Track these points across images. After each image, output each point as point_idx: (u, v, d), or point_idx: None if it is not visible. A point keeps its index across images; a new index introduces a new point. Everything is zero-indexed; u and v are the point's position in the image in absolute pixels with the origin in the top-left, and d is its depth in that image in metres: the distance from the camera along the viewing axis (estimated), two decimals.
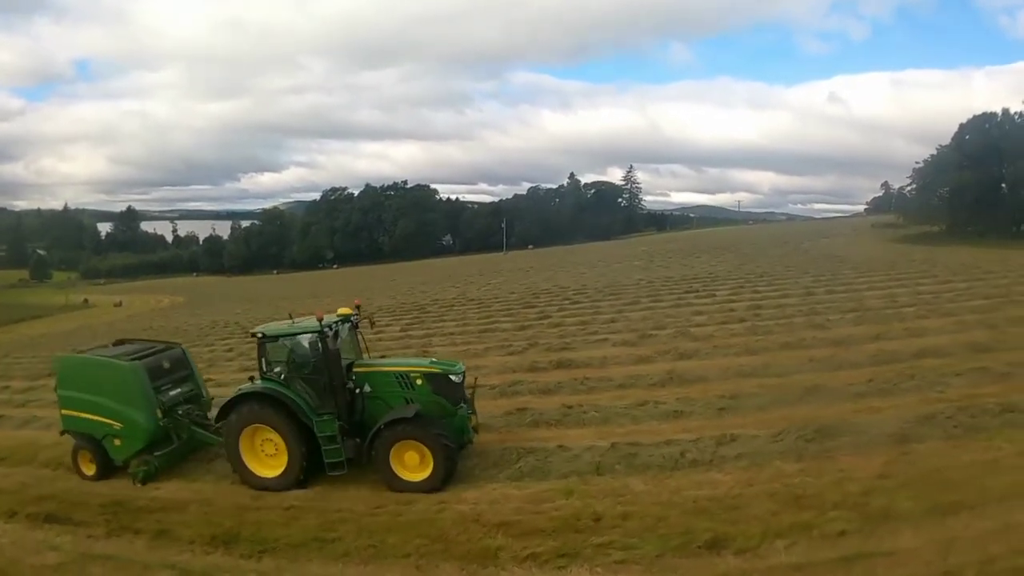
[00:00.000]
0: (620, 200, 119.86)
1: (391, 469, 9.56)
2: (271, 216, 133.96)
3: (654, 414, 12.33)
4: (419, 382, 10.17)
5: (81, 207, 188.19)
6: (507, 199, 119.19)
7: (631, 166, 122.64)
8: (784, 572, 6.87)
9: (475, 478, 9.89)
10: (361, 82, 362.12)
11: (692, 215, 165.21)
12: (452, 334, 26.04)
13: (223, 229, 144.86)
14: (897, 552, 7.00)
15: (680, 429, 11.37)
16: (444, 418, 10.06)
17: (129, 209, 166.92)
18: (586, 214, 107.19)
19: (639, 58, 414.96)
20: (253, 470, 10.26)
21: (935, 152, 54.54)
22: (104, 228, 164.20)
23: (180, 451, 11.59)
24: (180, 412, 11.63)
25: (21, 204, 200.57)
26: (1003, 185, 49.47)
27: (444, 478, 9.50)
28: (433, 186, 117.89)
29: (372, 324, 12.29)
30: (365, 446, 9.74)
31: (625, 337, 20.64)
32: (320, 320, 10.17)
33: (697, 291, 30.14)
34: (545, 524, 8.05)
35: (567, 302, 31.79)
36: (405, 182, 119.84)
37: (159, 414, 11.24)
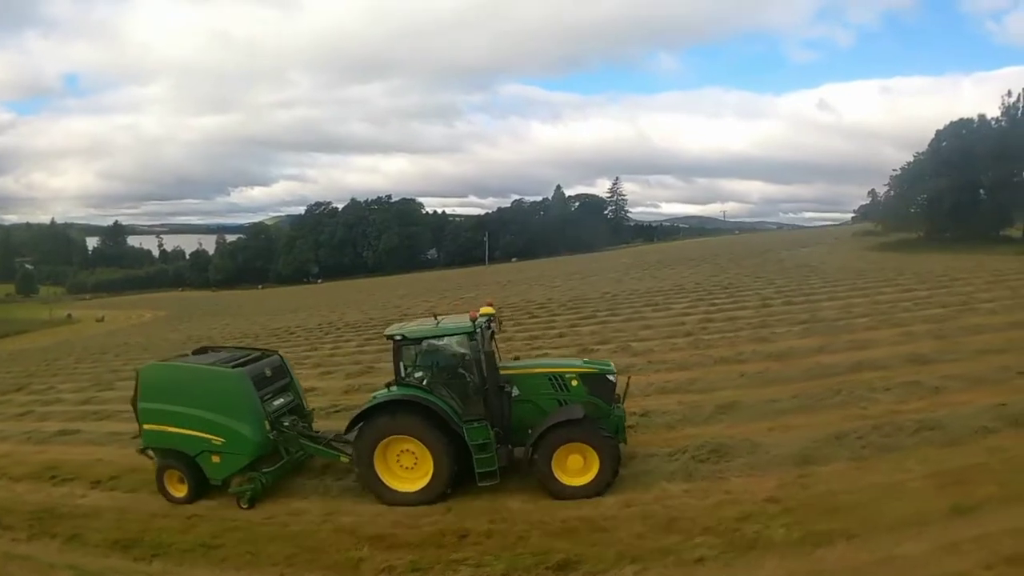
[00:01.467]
0: (606, 212, 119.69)
1: (553, 474, 8.99)
2: (256, 230, 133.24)
3: None
4: (574, 383, 9.73)
5: (71, 221, 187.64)
6: (491, 212, 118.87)
7: (617, 178, 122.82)
8: None
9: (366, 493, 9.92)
10: (350, 96, 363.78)
11: (682, 225, 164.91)
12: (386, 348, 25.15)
13: (212, 244, 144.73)
14: None
15: None
16: (600, 420, 9.56)
17: (116, 224, 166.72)
18: (571, 226, 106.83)
19: (628, 69, 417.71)
20: (390, 485, 9.43)
21: (912, 159, 54.34)
22: (93, 242, 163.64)
23: (287, 468, 10.65)
24: (286, 424, 10.72)
25: (11, 218, 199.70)
26: (981, 191, 48.95)
27: (609, 482, 8.99)
28: (422, 200, 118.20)
29: (500, 325, 11.10)
30: (527, 451, 9.10)
31: (565, 352, 20.07)
32: (474, 319, 9.61)
33: (656, 304, 29.41)
34: (413, 538, 8.34)
35: (527, 316, 31.26)
36: (389, 196, 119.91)
37: (267, 426, 10.31)
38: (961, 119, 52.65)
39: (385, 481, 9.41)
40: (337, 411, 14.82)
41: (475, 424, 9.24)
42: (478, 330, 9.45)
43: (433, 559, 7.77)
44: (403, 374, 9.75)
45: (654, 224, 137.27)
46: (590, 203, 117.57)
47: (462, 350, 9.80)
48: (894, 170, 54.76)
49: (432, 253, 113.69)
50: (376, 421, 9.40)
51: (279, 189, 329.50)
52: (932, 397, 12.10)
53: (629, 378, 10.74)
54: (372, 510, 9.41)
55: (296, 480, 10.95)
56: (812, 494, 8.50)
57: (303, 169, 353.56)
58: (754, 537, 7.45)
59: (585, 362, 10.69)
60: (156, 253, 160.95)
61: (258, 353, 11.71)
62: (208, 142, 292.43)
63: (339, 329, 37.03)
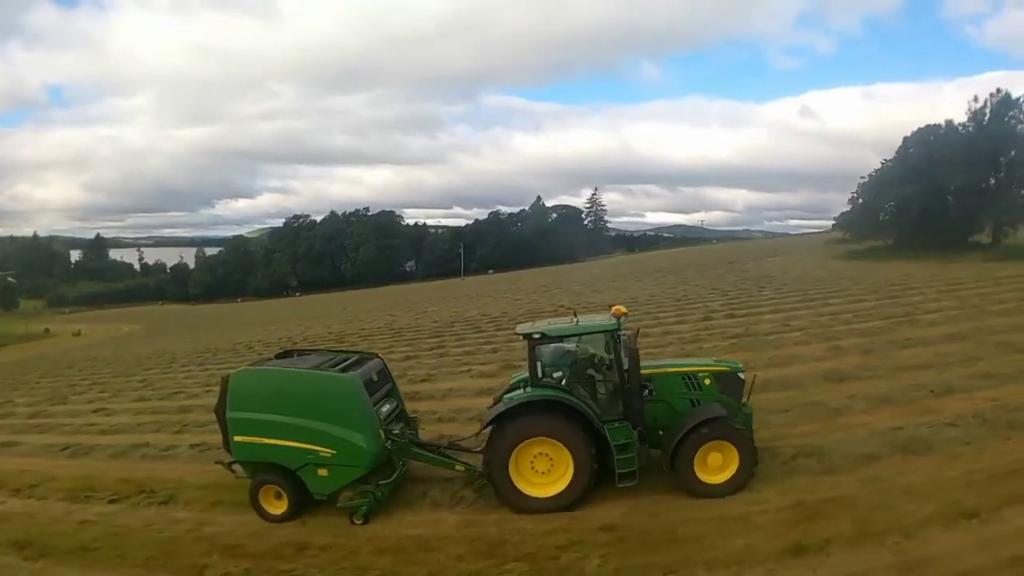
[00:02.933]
0: (586, 222, 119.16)
1: (695, 473, 8.84)
2: (236, 244, 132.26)
3: None
4: (707, 382, 9.66)
5: (55, 234, 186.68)
6: (469, 224, 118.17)
7: (596, 188, 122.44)
8: None
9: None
10: (332, 107, 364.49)
11: (666, 235, 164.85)
12: None
13: (195, 257, 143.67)
14: None
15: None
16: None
17: (98, 237, 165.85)
18: (549, 237, 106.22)
19: (610, 78, 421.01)
20: (524, 491, 8.93)
21: (879, 166, 53.80)
22: (76, 255, 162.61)
23: (400, 480, 9.84)
24: (395, 432, 9.93)
25: None
26: (948, 198, 48.36)
27: (748, 479, 8.88)
28: (407, 211, 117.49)
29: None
30: (670, 450, 8.85)
31: (455, 371, 20.14)
32: (619, 317, 9.48)
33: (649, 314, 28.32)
34: (259, 549, 8.85)
35: (473, 331, 30.70)
36: (367, 209, 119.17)
37: (383, 436, 9.55)
38: (928, 125, 52.12)
39: (520, 488, 8.90)
40: None
41: (616, 424, 9.00)
42: (621, 328, 9.22)
43: (266, 568, 8.29)
44: (541, 374, 9.31)
45: (636, 234, 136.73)
46: (567, 214, 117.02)
47: (599, 349, 9.54)
48: (862, 177, 54.13)
49: (411, 265, 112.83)
50: (515, 424, 8.89)
51: (264, 201, 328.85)
52: (828, 419, 11.70)
53: (755, 376, 10.51)
54: (237, 520, 9.87)
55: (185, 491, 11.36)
56: (655, 523, 8.27)
57: (287, 181, 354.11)
58: (566, 567, 7.48)
59: (715, 361, 10.57)
60: (137, 266, 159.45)
61: (356, 356, 10.93)
62: (192, 154, 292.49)
63: (296, 343, 36.18)
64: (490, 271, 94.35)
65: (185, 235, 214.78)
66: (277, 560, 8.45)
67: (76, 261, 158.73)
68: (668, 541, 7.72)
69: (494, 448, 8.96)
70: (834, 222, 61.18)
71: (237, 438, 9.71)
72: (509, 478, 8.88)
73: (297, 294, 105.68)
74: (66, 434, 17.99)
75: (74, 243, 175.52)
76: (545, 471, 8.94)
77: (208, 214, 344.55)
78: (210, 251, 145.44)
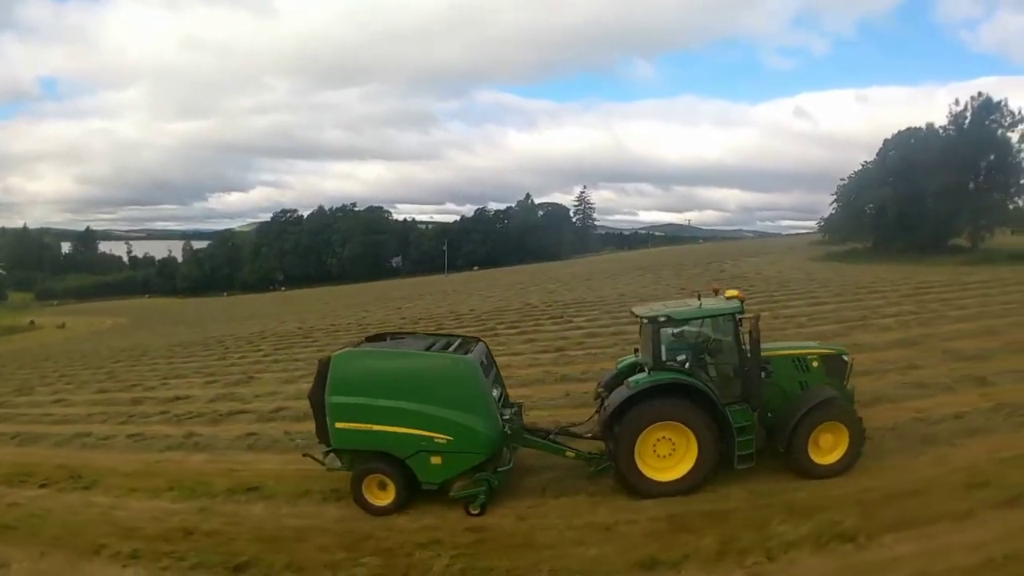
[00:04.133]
0: (574, 220, 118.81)
1: (808, 455, 8.97)
2: (223, 238, 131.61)
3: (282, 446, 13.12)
4: (815, 364, 9.77)
5: (48, 226, 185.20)
6: (455, 220, 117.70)
7: (584, 186, 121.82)
8: None
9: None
10: (325, 101, 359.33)
11: (658, 233, 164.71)
12: (280, 360, 26.06)
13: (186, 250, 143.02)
14: None
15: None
16: None
17: (88, 229, 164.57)
18: (536, 234, 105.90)
19: (603, 76, 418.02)
20: (648, 476, 8.84)
21: (859, 168, 53.43)
22: (67, 248, 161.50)
23: (512, 467, 9.49)
24: (506, 417, 9.57)
25: None
26: (928, 200, 48.00)
27: (855, 459, 9.08)
28: (400, 206, 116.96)
29: None
30: (786, 432, 8.93)
31: None
32: (742, 300, 9.53)
33: (557, 317, 28.28)
34: (153, 532, 9.36)
35: (436, 327, 30.25)
36: (354, 204, 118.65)
37: (502, 421, 9.16)
38: (909, 128, 51.93)
39: (644, 472, 8.78)
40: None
41: (736, 406, 9.02)
42: (742, 312, 9.28)
43: (151, 550, 8.72)
44: (665, 357, 9.16)
45: (626, 232, 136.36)
46: (554, 212, 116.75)
47: (720, 332, 9.55)
48: (842, 179, 53.84)
49: (397, 261, 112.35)
50: (642, 408, 8.80)
51: (257, 195, 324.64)
52: None
53: (852, 359, 10.45)
54: (145, 506, 10.50)
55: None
56: (519, 527, 8.36)
57: (280, 175, 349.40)
58: (416, 563, 7.61)
59: (820, 344, 10.68)
60: (126, 260, 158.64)
61: (459, 339, 10.38)
62: (185, 147, 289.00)
63: (266, 339, 35.96)
64: (475, 268, 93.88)
65: (178, 228, 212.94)
66: (164, 543, 8.89)
67: (66, 254, 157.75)
68: (524, 546, 7.71)
69: (621, 432, 8.77)
70: (818, 224, 60.77)
71: (339, 425, 9.08)
72: (635, 463, 8.74)
73: (283, 289, 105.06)
74: (21, 423, 18.52)
75: (66, 235, 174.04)
76: (666, 455, 8.86)
77: (201, 207, 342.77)
78: (200, 245, 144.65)
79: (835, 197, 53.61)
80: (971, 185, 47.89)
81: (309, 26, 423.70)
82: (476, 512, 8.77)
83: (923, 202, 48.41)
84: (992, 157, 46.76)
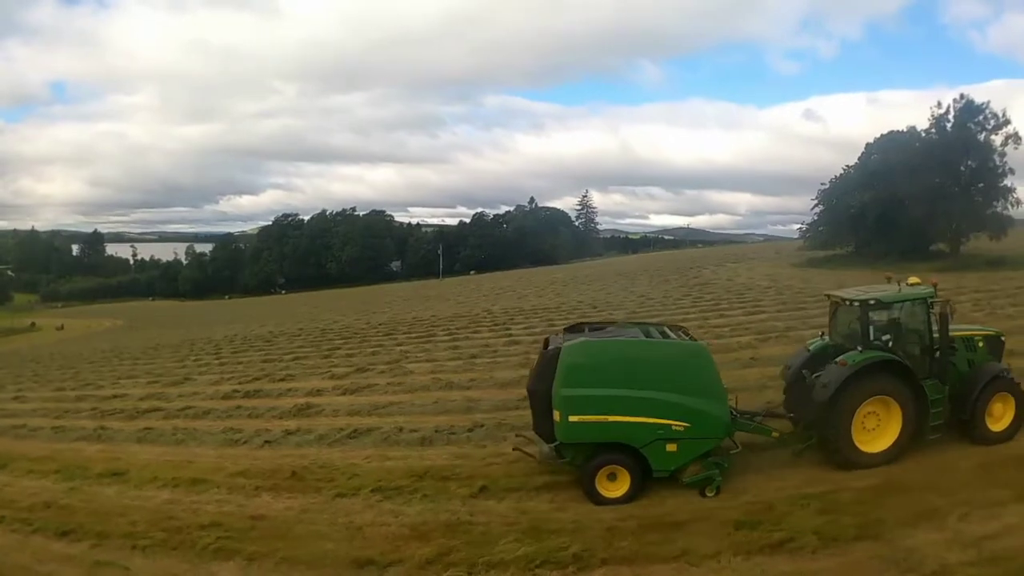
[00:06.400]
0: (577, 223, 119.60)
1: (985, 424, 10.10)
2: (226, 241, 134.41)
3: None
4: (980, 344, 10.74)
5: (60, 228, 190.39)
6: (453, 224, 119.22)
7: (586, 190, 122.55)
8: None
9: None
10: (333, 105, 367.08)
11: (667, 237, 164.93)
12: (226, 363, 27.59)
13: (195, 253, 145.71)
14: None
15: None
16: None
17: (95, 232, 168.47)
18: (535, 238, 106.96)
19: (611, 80, 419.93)
20: (861, 448, 9.61)
21: (841, 172, 53.55)
22: (77, 250, 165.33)
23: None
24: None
25: (1, 224, 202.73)
26: (907, 204, 48.04)
27: (1020, 427, 10.20)
28: (411, 209, 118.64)
29: None
30: (969, 403, 9.99)
31: (312, 371, 21.25)
32: (935, 285, 10.60)
33: (499, 326, 29.10)
34: (26, 504, 11.16)
35: (383, 335, 31.65)
36: (354, 208, 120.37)
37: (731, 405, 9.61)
38: (892, 131, 51.94)
39: (858, 445, 9.57)
40: None
41: (928, 381, 9.95)
42: (935, 296, 10.33)
43: (13, 517, 10.56)
44: (873, 337, 10.08)
45: (633, 236, 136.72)
46: (553, 216, 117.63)
47: (914, 314, 10.47)
48: (822, 183, 53.92)
49: (396, 265, 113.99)
50: (861, 384, 9.53)
51: (267, 198, 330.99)
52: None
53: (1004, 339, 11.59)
54: (31, 485, 12.35)
55: None
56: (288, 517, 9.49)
57: (289, 178, 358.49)
58: (207, 543, 8.83)
59: (982, 327, 11.62)
60: (132, 262, 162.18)
61: (663, 327, 10.79)
62: (195, 151, 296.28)
63: (232, 342, 37.43)
64: (472, 272, 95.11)
65: (190, 231, 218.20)
66: (27, 512, 10.76)
67: (74, 256, 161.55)
68: (279, 537, 8.74)
69: (842, 407, 9.43)
70: (799, 229, 60.77)
71: (573, 418, 8.93)
72: (851, 436, 9.51)
73: (283, 292, 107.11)
74: None
75: (78, 238, 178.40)
76: (873, 428, 9.70)
77: (212, 210, 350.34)
78: (208, 248, 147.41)
79: (816, 201, 53.76)
80: (954, 189, 47.69)
81: (315, 30, 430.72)
82: (712, 495, 9.06)
83: (903, 207, 48.39)
84: (970, 163, 46.46)
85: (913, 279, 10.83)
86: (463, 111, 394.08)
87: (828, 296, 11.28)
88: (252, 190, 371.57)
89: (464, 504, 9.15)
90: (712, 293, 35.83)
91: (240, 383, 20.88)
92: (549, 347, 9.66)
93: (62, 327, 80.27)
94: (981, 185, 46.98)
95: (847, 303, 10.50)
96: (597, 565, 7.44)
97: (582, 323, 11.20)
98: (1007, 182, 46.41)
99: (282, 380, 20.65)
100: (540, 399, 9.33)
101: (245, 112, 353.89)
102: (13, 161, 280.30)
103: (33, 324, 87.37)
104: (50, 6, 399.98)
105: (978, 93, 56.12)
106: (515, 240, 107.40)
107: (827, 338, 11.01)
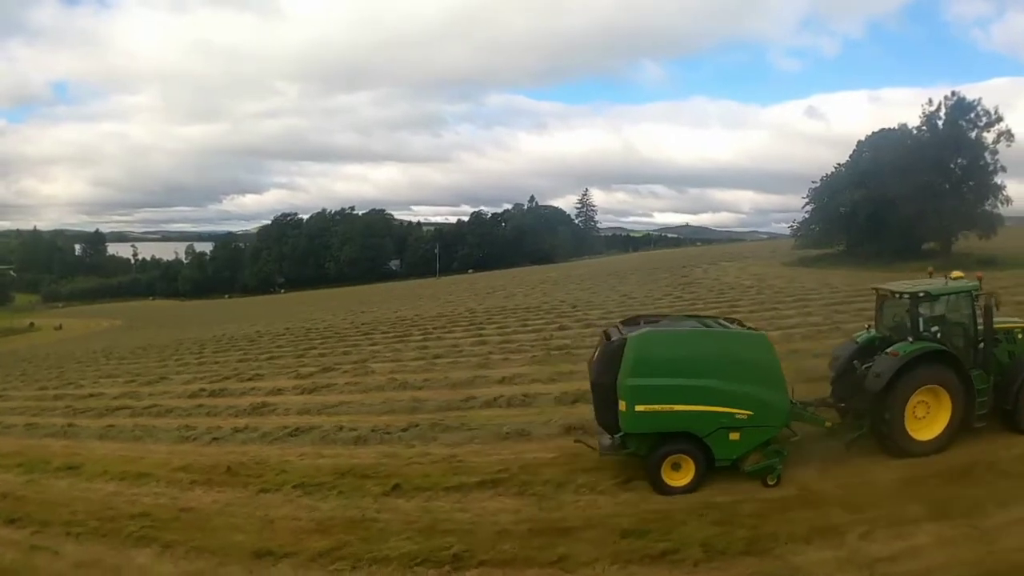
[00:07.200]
0: (577, 222, 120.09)
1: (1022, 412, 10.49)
2: (226, 241, 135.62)
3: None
4: (1020, 336, 11.06)
5: (64, 228, 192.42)
6: (451, 223, 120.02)
7: (586, 189, 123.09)
8: None
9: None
10: (336, 105, 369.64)
11: (672, 235, 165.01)
12: (205, 363, 28.46)
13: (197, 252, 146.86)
14: None
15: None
16: None
17: (97, 232, 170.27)
18: (534, 237, 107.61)
19: (613, 79, 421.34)
20: (913, 436, 9.96)
21: (833, 170, 53.65)
22: (80, 250, 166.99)
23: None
24: None
25: (5, 224, 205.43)
26: (898, 203, 48.16)
27: None
28: (415, 208, 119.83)
29: None
30: (1012, 393, 10.34)
31: (278, 371, 21.81)
32: (980, 279, 10.97)
33: (475, 326, 29.60)
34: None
35: (359, 334, 32.48)
36: (353, 208, 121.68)
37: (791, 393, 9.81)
38: (883, 129, 52.02)
39: (910, 433, 9.92)
40: None
41: (975, 372, 10.33)
42: (980, 289, 10.71)
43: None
44: (923, 328, 10.43)
45: (635, 234, 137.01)
46: (551, 214, 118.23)
47: (960, 306, 10.79)
48: (813, 182, 54.05)
49: (396, 264, 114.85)
50: (914, 373, 9.85)
51: (271, 198, 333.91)
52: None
53: None
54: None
55: None
56: (197, 514, 10.12)
57: (293, 178, 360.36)
58: (133, 531, 9.59)
59: (1020, 320, 11.86)
60: (134, 262, 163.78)
61: (718, 318, 11.13)
62: (198, 151, 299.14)
63: (219, 342, 38.25)
64: (470, 271, 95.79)
65: (193, 230, 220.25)
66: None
67: (76, 256, 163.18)
68: (198, 528, 9.51)
69: (896, 396, 9.76)
70: (790, 227, 60.76)
71: (640, 408, 9.11)
72: (904, 424, 9.85)
73: (282, 292, 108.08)
74: None
75: (81, 238, 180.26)
76: (923, 417, 10.02)
77: (216, 210, 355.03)
78: (206, 248, 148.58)
79: (807, 200, 53.89)
80: (944, 187, 47.74)
81: (317, 30, 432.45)
82: (773, 483, 9.26)
83: (894, 206, 48.42)
84: (961, 160, 46.58)
85: (956, 273, 11.12)
86: (466, 110, 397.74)
87: (876, 290, 11.53)
88: (256, 189, 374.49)
89: (375, 502, 9.73)
90: (693, 293, 36.24)
91: (210, 382, 21.69)
92: (611, 340, 9.81)
93: (60, 327, 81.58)
94: (972, 183, 47.16)
95: (896, 296, 10.85)
96: (473, 566, 7.79)
97: (638, 316, 11.29)
98: (997, 180, 46.57)
99: (249, 379, 21.38)
100: (605, 391, 9.50)
101: (248, 112, 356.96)
102: (16, 161, 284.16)
103: (32, 324, 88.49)
104: (52, 6, 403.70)
105: (980, 91, 56.24)
106: (514, 239, 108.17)
107: (873, 331, 11.30)
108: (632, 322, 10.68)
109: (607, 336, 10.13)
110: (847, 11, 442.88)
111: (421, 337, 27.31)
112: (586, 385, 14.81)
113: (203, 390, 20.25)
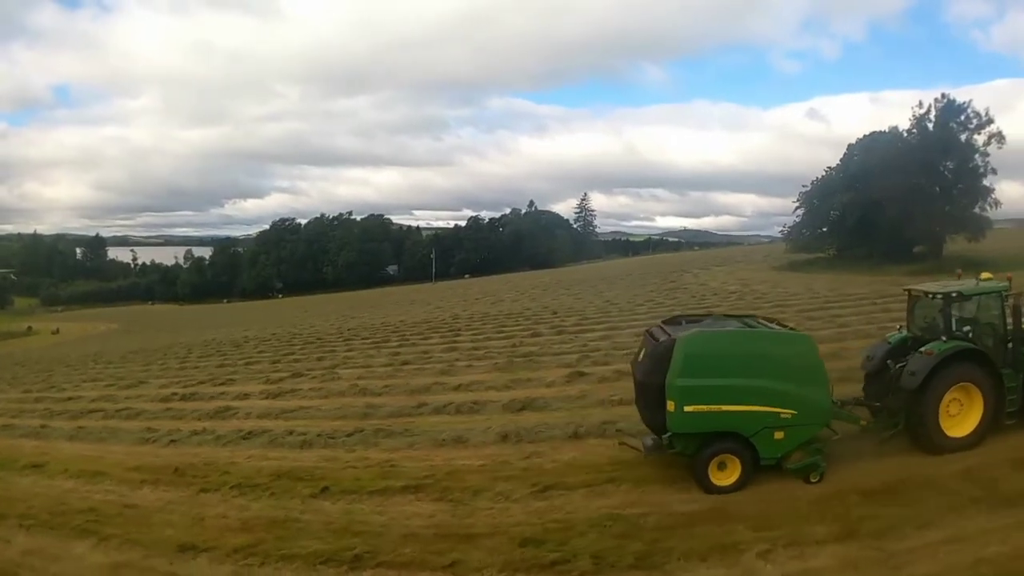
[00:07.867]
0: (576, 226, 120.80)
1: None
2: (225, 245, 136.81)
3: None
4: None
5: (66, 231, 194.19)
6: (448, 228, 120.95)
7: (584, 193, 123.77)
8: None
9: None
10: (337, 109, 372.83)
11: (674, 239, 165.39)
12: (185, 367, 29.20)
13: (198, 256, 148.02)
14: None
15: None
16: None
17: (97, 236, 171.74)
18: (532, 242, 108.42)
19: (614, 82, 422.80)
20: (948, 433, 10.30)
21: (823, 173, 54.14)
22: (80, 254, 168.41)
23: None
24: None
25: (7, 228, 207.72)
26: (886, 206, 48.48)
27: None
28: (417, 212, 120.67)
29: None
30: None
31: (250, 376, 22.50)
32: (1010, 279, 11.29)
33: (451, 332, 30.26)
34: None
35: (339, 339, 33.54)
36: (351, 212, 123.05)
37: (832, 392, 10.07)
38: (874, 132, 52.44)
39: (944, 430, 10.26)
40: None
41: (1005, 370, 10.64)
42: (1010, 289, 11.09)
43: None
44: (955, 327, 10.78)
45: (635, 238, 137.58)
46: (549, 219, 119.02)
47: (990, 306, 11.16)
48: (804, 186, 54.53)
49: (393, 268, 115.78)
50: (949, 371, 10.19)
51: (272, 201, 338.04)
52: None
53: None
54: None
55: None
56: (139, 511, 10.92)
57: (294, 182, 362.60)
58: (78, 524, 10.46)
59: None
60: (134, 266, 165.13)
61: (755, 317, 11.42)
62: (199, 155, 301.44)
63: (207, 346, 39.01)
64: (466, 276, 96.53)
65: (195, 234, 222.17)
66: None
67: (76, 260, 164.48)
68: (137, 523, 10.26)
69: (928, 394, 10.06)
70: (780, 231, 61.11)
71: (688, 408, 9.26)
72: (938, 421, 10.16)
73: (280, 296, 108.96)
74: None
75: (82, 242, 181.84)
76: (955, 414, 10.34)
77: (218, 213, 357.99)
78: (206, 252, 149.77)
79: (797, 204, 54.34)
80: (934, 190, 48.00)
81: (318, 33, 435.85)
82: (816, 480, 9.53)
83: (883, 208, 48.69)
84: (949, 163, 46.86)
85: (986, 274, 11.47)
86: (467, 114, 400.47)
87: (908, 291, 11.80)
88: (257, 194, 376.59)
89: (302, 503, 10.38)
90: (676, 299, 36.62)
91: (184, 387, 22.45)
92: (658, 340, 9.95)
93: (57, 331, 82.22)
94: (961, 186, 47.42)
95: (929, 296, 11.23)
96: (370, 567, 8.24)
97: (679, 316, 11.47)
98: (987, 182, 46.82)
99: (222, 384, 22.17)
100: (652, 391, 9.66)
101: (249, 115, 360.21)
102: (18, 165, 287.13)
103: (30, 328, 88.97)
104: (52, 10, 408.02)
105: (981, 93, 56.64)
106: (511, 244, 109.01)
107: (904, 331, 11.64)
108: (674, 322, 10.95)
109: (652, 336, 10.31)
110: (848, 13, 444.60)
111: (397, 343, 28.02)
112: (537, 392, 16.14)
113: (175, 394, 21.00)
